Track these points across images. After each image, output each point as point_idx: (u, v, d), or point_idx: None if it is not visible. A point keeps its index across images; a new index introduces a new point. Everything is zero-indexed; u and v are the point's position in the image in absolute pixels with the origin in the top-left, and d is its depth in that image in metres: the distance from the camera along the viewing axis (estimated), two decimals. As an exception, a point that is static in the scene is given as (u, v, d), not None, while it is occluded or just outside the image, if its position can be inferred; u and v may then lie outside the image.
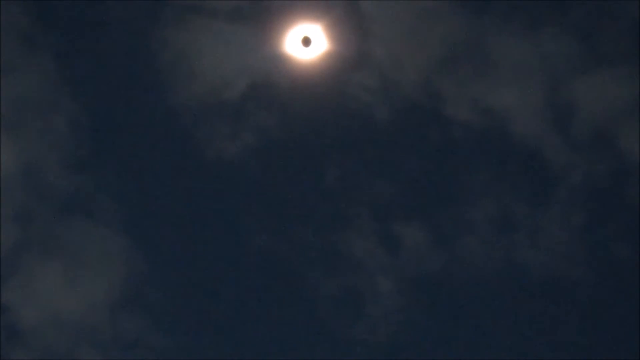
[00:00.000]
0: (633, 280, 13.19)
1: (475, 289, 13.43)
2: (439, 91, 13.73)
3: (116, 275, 13.28)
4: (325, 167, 13.71)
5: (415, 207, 13.67)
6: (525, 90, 13.62)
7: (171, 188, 13.58)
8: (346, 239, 13.59)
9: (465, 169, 13.68)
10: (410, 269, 13.51)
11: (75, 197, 13.41)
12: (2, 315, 12.97)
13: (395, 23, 13.66)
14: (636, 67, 13.49)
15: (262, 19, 13.62)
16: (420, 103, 13.75)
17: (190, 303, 13.34)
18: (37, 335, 12.97)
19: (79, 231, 13.32)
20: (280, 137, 13.72)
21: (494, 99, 13.67)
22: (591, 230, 13.46)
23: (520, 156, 13.66)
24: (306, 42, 13.54)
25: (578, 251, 13.40)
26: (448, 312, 13.43)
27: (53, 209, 13.31)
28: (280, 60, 13.67)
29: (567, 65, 13.58)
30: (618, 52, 13.56)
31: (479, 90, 13.69)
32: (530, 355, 13.13)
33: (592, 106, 13.56)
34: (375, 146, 13.77)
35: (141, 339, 13.14)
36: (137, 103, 13.59)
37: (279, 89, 13.67)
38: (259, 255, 13.52)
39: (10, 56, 13.45)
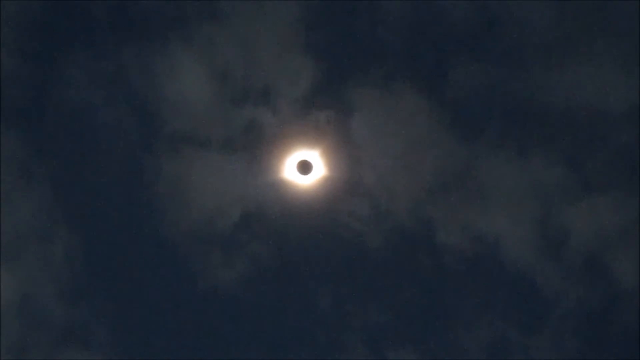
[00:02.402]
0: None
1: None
2: (431, 218, 13.77)
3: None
4: (319, 294, 13.78)
5: (408, 333, 13.70)
6: (517, 217, 13.63)
7: (166, 317, 13.67)
8: (340, 365, 13.67)
9: (458, 295, 13.71)
10: (404, 395, 13.57)
11: (71, 327, 13.53)
12: None
13: (387, 151, 13.70)
14: (626, 193, 13.49)
15: (253, 148, 13.72)
16: (412, 229, 13.79)
17: None
18: None
19: (74, 362, 13.46)
20: (274, 265, 13.80)
21: (485, 225, 13.70)
22: (584, 356, 13.45)
23: (512, 282, 13.67)
24: (304, 168, 13.59)
25: (571, 377, 13.43)
26: None
27: (49, 340, 13.44)
28: (273, 189, 13.71)
29: (558, 192, 13.58)
30: (608, 179, 13.55)
31: (470, 217, 13.71)
32: None
33: (583, 232, 13.57)
34: (368, 272, 13.84)
35: None
36: (132, 233, 13.69)
37: (273, 217, 13.74)
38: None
39: (7, 186, 13.59)
